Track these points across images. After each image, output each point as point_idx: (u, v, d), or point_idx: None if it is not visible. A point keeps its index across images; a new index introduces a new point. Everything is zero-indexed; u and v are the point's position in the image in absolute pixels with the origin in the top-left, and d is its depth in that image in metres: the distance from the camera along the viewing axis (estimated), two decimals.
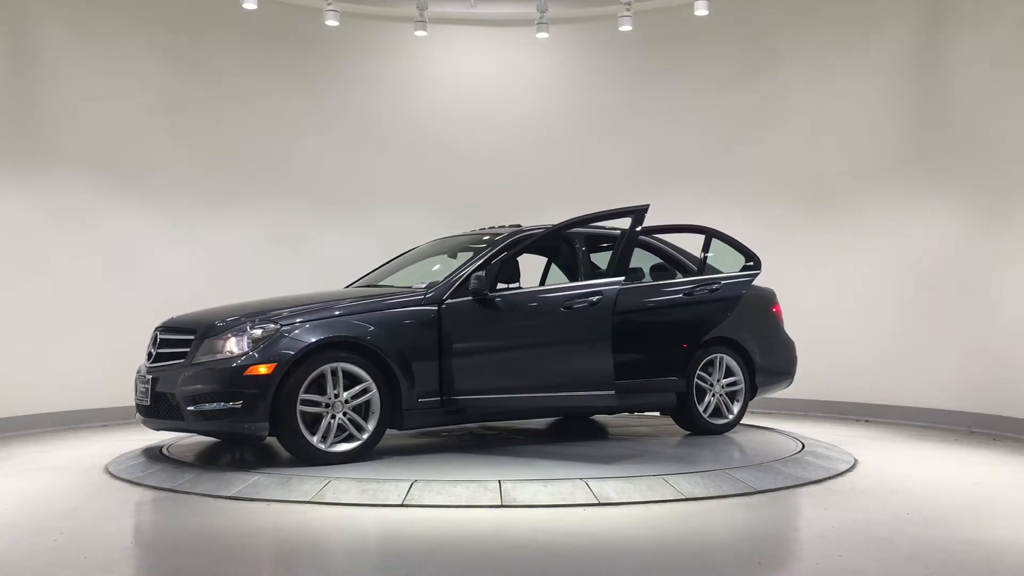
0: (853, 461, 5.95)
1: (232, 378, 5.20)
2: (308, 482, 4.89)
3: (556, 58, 9.99)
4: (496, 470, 5.23)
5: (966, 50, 7.91)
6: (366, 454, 5.46)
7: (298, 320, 5.43)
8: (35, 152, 7.96)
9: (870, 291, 8.53)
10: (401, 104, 9.81)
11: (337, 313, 5.55)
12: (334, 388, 5.34)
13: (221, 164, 9.10)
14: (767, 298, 7.31)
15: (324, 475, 5.00)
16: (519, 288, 5.93)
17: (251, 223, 9.23)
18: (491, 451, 6.00)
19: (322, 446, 5.31)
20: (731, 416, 6.86)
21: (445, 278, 5.92)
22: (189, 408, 5.29)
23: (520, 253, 5.93)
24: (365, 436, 5.43)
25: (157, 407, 5.56)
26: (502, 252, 6.02)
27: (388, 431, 5.58)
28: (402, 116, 9.80)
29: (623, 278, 5.59)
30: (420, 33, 9.35)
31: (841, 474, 5.55)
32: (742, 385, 6.90)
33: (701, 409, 6.71)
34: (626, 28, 9.11)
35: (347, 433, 5.42)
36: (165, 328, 5.85)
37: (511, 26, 9.91)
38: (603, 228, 6.80)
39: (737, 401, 6.91)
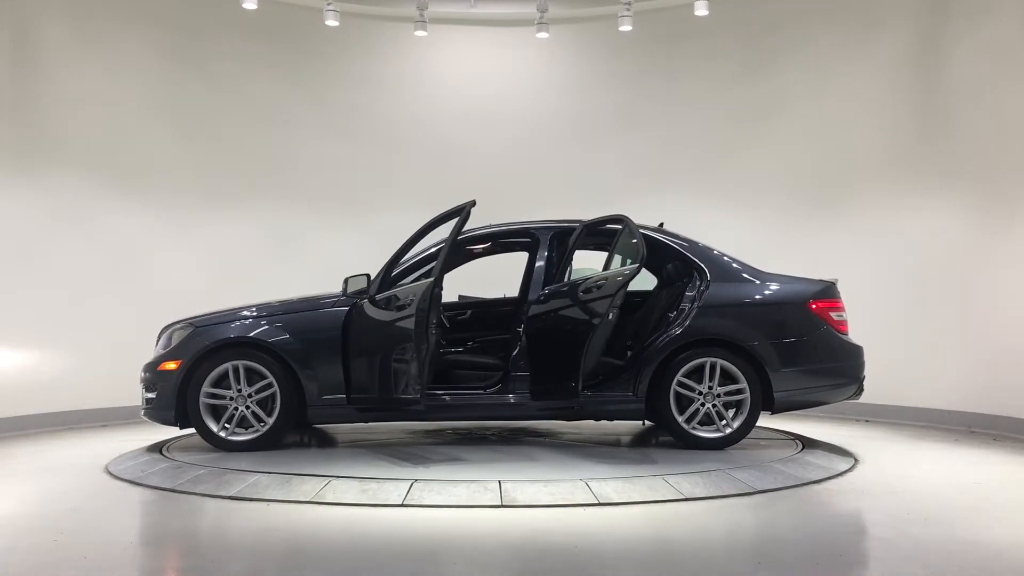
0: (853, 461, 5.95)
1: (152, 372, 6.01)
2: (308, 482, 4.90)
3: (556, 58, 9.98)
4: (496, 470, 5.25)
5: (966, 50, 7.90)
6: (267, 444, 5.89)
7: (212, 322, 6.04)
8: (35, 152, 7.96)
9: (870, 290, 8.51)
10: (401, 104, 9.80)
11: (249, 316, 6.03)
12: (237, 384, 5.86)
13: (221, 163, 9.10)
14: (799, 294, 6.28)
15: (324, 475, 5.02)
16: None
17: (251, 223, 9.23)
18: (491, 451, 6.01)
19: (222, 434, 5.88)
20: (728, 430, 5.97)
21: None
22: (143, 397, 6.11)
23: (406, 253, 6.06)
24: (264, 428, 5.89)
25: None
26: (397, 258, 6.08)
27: (398, 424, 6.08)
28: (402, 116, 9.80)
29: (432, 280, 5.58)
30: (420, 33, 9.35)
31: (841, 474, 5.55)
32: (747, 395, 5.96)
33: (682, 420, 5.93)
34: (626, 28, 9.11)
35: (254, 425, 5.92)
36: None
37: (511, 26, 9.90)
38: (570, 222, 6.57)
39: (741, 414, 5.99)
